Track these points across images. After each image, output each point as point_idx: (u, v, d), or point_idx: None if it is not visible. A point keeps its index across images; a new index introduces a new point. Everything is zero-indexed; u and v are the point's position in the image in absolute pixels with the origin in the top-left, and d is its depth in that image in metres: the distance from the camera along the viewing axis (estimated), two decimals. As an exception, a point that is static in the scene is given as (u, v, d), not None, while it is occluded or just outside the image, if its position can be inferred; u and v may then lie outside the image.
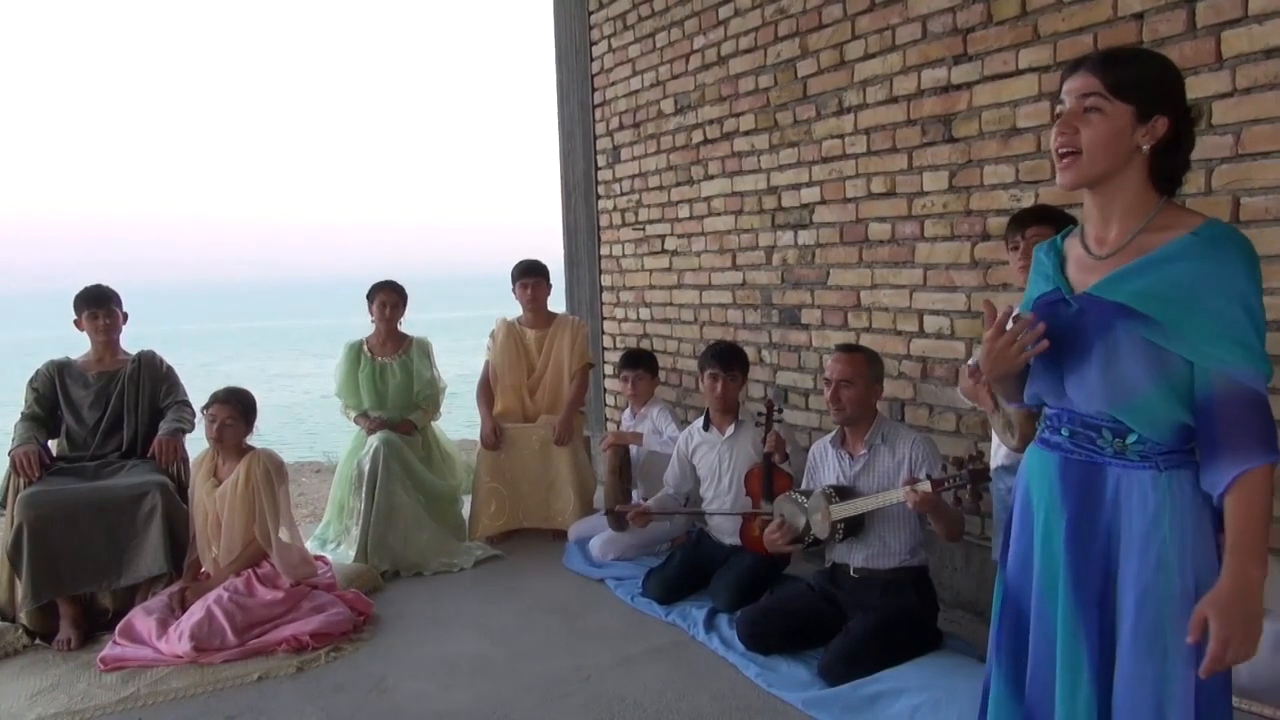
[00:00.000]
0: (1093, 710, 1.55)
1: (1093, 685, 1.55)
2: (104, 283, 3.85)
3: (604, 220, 5.43)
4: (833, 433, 3.18)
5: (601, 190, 5.43)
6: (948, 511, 2.83)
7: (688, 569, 3.61)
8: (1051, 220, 2.59)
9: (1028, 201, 3.01)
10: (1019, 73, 3.05)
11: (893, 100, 3.51)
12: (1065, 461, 1.62)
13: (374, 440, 4.25)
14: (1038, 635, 1.64)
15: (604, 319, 5.51)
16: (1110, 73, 1.51)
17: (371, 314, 4.59)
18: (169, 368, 3.92)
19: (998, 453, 2.76)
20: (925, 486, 2.69)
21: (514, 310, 4.76)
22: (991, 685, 1.75)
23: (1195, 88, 2.57)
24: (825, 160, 3.84)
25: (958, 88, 3.26)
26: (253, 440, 3.56)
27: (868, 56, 3.60)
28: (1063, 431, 1.63)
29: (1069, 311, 1.60)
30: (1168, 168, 1.55)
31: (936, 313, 3.42)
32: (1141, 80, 1.51)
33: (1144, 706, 1.49)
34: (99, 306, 3.77)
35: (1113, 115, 1.51)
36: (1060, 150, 1.55)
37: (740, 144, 4.30)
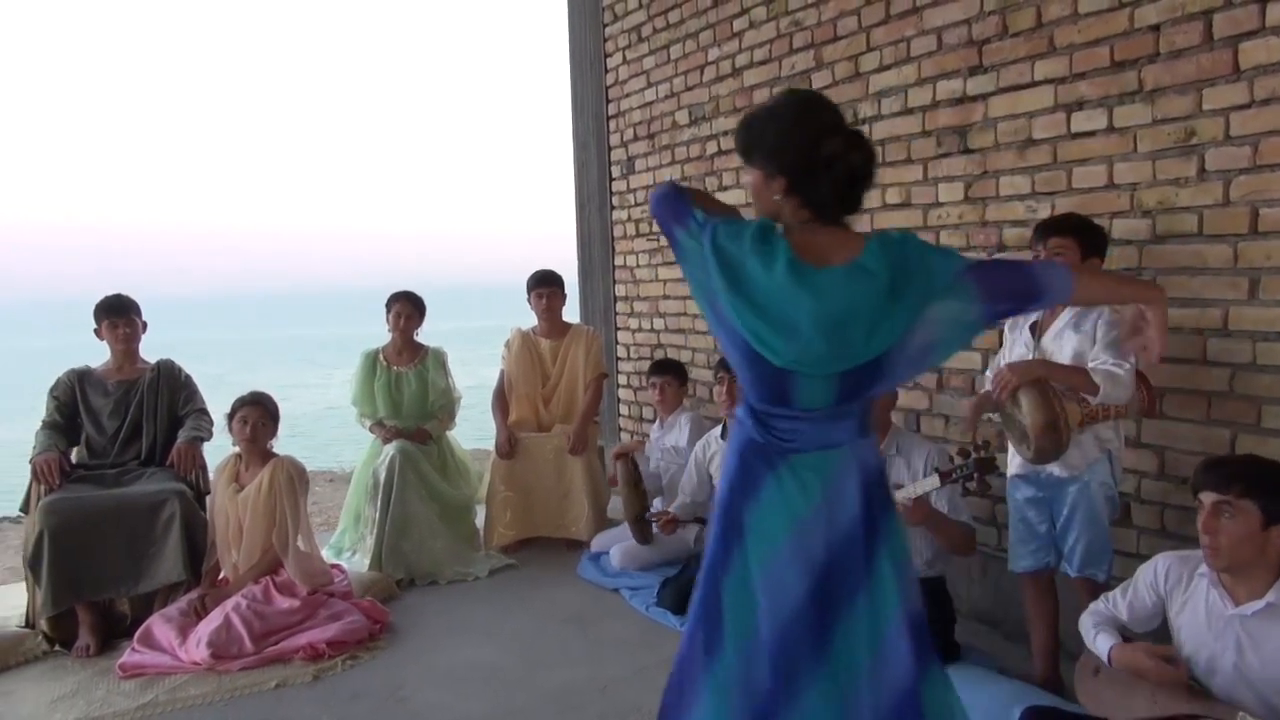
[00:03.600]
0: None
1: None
2: (123, 292, 3.89)
3: (618, 230, 5.45)
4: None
5: (616, 201, 5.45)
6: (946, 523, 2.82)
7: (703, 579, 3.61)
8: (1074, 230, 2.59)
9: (1044, 213, 3.01)
10: (1035, 84, 3.05)
11: (908, 112, 3.52)
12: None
13: (390, 449, 4.26)
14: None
15: (618, 329, 5.52)
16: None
17: (388, 323, 4.61)
18: (187, 376, 3.95)
19: (1013, 462, 2.76)
20: (929, 484, 2.70)
21: (528, 320, 4.78)
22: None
23: (1212, 99, 2.58)
24: (840, 171, 3.84)
25: (973, 99, 3.27)
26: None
27: (883, 68, 3.61)
28: None
29: None
30: None
31: (952, 323, 3.42)
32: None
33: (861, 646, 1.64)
34: (119, 316, 3.81)
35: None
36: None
37: (755, 155, 4.31)
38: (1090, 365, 2.48)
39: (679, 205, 1.73)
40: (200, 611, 3.34)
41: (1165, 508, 2.79)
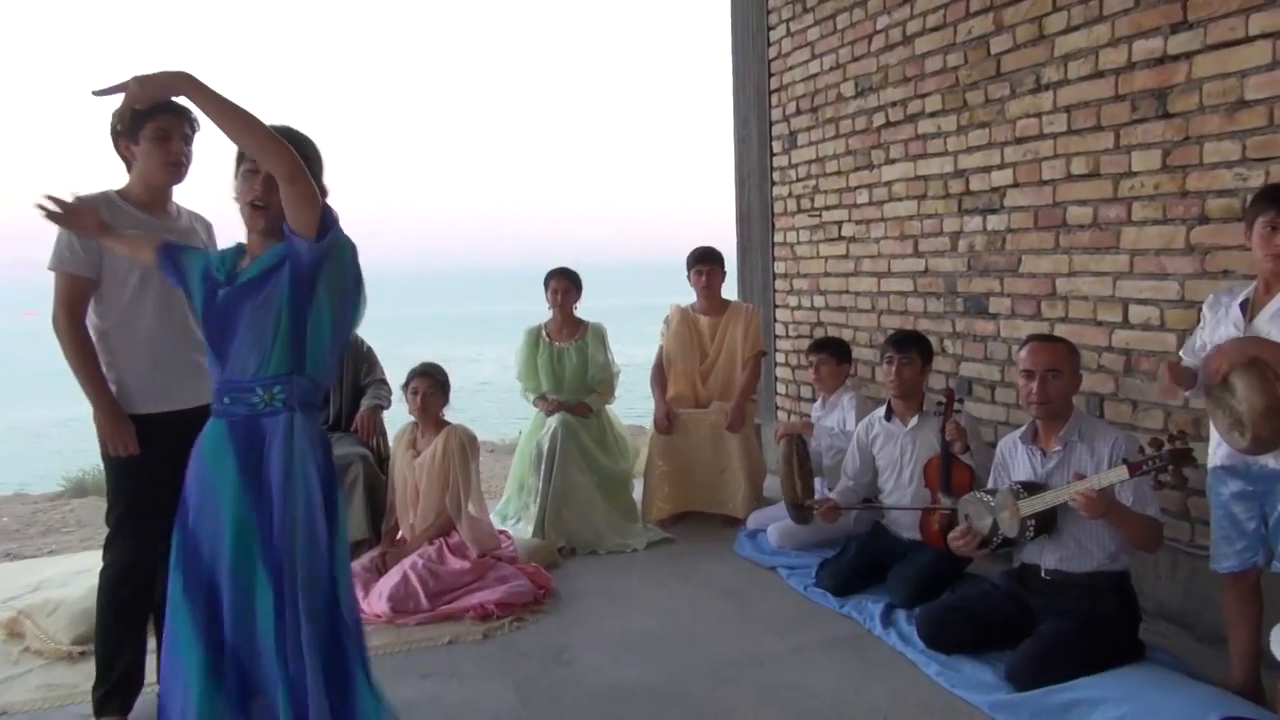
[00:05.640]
0: (275, 632, 1.98)
1: (273, 608, 1.98)
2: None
3: (779, 207, 5.38)
4: (1022, 428, 3.02)
5: (777, 177, 5.38)
6: (1130, 517, 2.64)
7: (863, 561, 3.54)
8: None
9: (1255, 181, 2.76)
10: (1249, 40, 2.79)
11: (1098, 75, 3.29)
12: (231, 423, 2.04)
13: (552, 421, 4.40)
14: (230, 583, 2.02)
15: (776, 307, 5.46)
16: None
17: (547, 299, 4.74)
18: (369, 348, 4.20)
19: (1217, 452, 2.54)
20: (1115, 476, 2.53)
21: (688, 297, 4.80)
22: (176, 627, 2.03)
23: None
24: (1019, 141, 3.64)
25: (1175, 59, 3.01)
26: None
27: (1070, 29, 3.39)
28: (225, 400, 2.06)
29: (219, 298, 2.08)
30: None
31: (1144, 302, 3.19)
32: None
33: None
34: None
35: None
36: None
37: (925, 126, 4.15)
38: None
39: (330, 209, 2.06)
40: (381, 568, 3.57)
41: (1396, 508, 2.51)
